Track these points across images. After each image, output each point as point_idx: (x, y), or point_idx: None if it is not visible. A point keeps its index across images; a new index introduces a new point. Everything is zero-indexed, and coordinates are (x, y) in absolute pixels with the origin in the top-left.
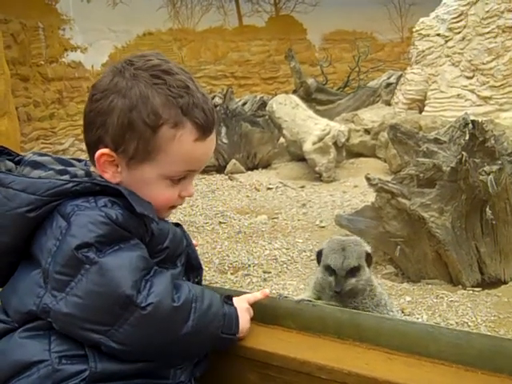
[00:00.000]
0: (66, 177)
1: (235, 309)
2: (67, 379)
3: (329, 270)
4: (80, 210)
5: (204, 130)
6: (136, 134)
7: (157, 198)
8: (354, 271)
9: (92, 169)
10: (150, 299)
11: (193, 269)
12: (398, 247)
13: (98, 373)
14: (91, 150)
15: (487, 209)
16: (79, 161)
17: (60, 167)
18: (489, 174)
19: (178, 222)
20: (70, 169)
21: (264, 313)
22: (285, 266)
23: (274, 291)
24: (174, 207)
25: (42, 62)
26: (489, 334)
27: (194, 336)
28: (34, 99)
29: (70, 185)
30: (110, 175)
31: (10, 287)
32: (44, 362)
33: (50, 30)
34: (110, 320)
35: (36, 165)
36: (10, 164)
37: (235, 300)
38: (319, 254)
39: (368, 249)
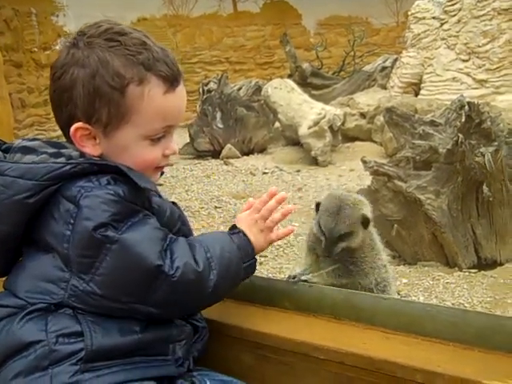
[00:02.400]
0: (62, 159)
1: (243, 234)
2: (64, 359)
3: (321, 229)
4: (87, 192)
5: (171, 81)
6: (104, 99)
7: (141, 160)
8: (346, 236)
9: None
10: (176, 265)
11: None
12: (395, 226)
13: (94, 351)
14: (66, 129)
15: (484, 186)
16: (71, 142)
17: (52, 150)
18: (484, 156)
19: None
20: (63, 151)
21: (260, 294)
22: (281, 249)
23: (270, 275)
24: (160, 168)
25: (36, 49)
26: (485, 312)
27: (222, 281)
28: (27, 85)
29: (68, 167)
30: (90, 149)
31: (19, 273)
32: (41, 342)
33: (43, 17)
34: (144, 290)
35: (26, 150)
36: None
37: (239, 221)
38: (317, 206)
39: (366, 211)
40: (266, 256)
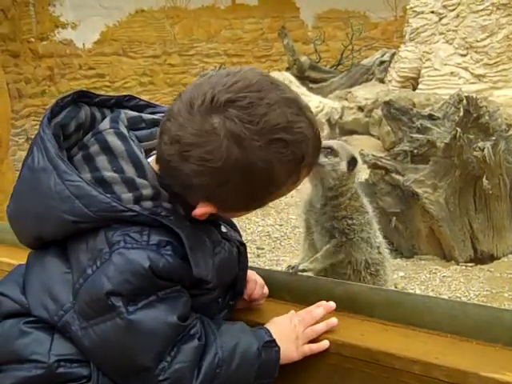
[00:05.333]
0: (129, 196)
1: (277, 351)
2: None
3: None
4: (125, 248)
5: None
6: (251, 200)
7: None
8: (329, 153)
9: (153, 161)
10: (169, 374)
11: (233, 292)
12: (394, 218)
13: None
14: (185, 192)
15: (484, 178)
16: (139, 139)
17: (128, 172)
18: (483, 151)
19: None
20: (138, 182)
21: None
22: (278, 241)
23: (267, 267)
24: None
25: (33, 39)
26: (483, 304)
27: None
28: (24, 76)
29: (129, 214)
30: (202, 217)
31: (36, 274)
32: (42, 363)
33: (41, 6)
34: (124, 376)
35: (106, 149)
36: (88, 112)
37: (275, 325)
38: None
39: (355, 154)
40: (263, 248)
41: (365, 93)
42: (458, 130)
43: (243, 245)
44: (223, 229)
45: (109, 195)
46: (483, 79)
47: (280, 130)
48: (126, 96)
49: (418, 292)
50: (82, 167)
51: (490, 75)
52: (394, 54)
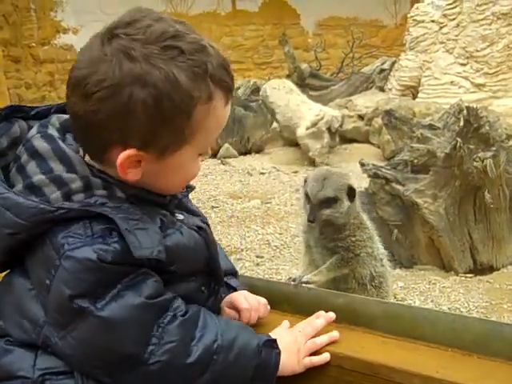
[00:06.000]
0: (57, 195)
1: (278, 354)
2: None
3: (307, 197)
4: (70, 251)
5: (231, 90)
6: (169, 124)
7: (187, 178)
8: (330, 202)
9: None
10: (159, 356)
11: (216, 278)
12: (395, 231)
13: None
14: (101, 150)
15: (486, 192)
16: (101, 162)
17: (56, 170)
18: (483, 161)
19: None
20: (66, 177)
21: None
22: (278, 250)
23: (266, 276)
24: None
25: (34, 44)
26: (485, 318)
27: None
28: (25, 81)
29: (59, 212)
30: (133, 174)
31: (6, 297)
32: (27, 379)
33: (42, 12)
34: (113, 370)
35: (34, 154)
36: (23, 126)
37: (280, 334)
38: (305, 181)
39: (352, 183)
40: (262, 257)
41: (365, 101)
42: (459, 140)
43: (202, 228)
44: (180, 216)
45: (37, 199)
46: (483, 88)
47: (169, 37)
48: (66, 104)
49: (417, 302)
50: (17, 179)
51: (490, 85)
52: (394, 63)
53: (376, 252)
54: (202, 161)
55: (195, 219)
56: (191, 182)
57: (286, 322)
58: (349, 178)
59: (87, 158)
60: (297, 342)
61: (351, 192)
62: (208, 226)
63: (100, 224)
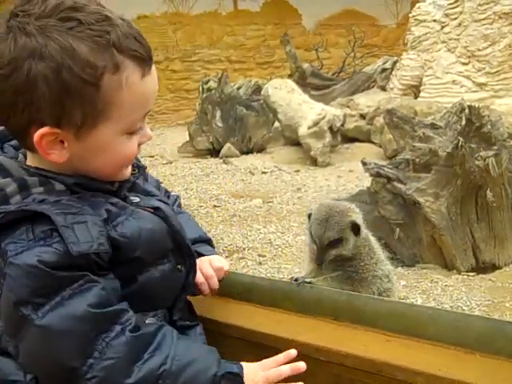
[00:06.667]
0: None
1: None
2: None
3: (312, 237)
4: (13, 257)
5: (146, 61)
6: (77, 97)
7: (121, 158)
8: (336, 243)
9: (30, 160)
10: (97, 371)
11: (189, 253)
12: (398, 229)
13: None
14: (21, 134)
15: (488, 191)
16: (29, 149)
17: None
18: (485, 160)
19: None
20: (0, 183)
21: (262, 295)
22: (280, 249)
23: (268, 274)
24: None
25: None
26: (487, 316)
27: None
28: None
29: None
30: (57, 155)
31: None
32: (20, 382)
33: None
34: (54, 383)
35: None
36: None
37: (252, 369)
38: (309, 217)
39: (355, 217)
40: (264, 256)
41: (367, 100)
42: (460, 139)
43: (158, 208)
44: (135, 199)
45: None
46: (485, 88)
47: (66, 9)
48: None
49: (419, 301)
50: None
51: (492, 84)
52: (395, 62)
53: (383, 272)
54: (140, 144)
55: (152, 200)
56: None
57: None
58: (352, 211)
59: (29, 160)
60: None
61: (355, 227)
62: (167, 204)
63: (42, 226)
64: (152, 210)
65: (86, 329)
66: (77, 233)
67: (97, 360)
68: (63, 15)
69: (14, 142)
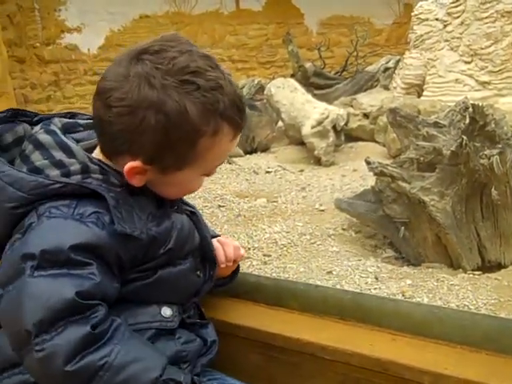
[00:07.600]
0: (57, 173)
1: None
2: None
3: None
4: (48, 218)
5: (240, 127)
6: (173, 150)
7: (185, 191)
8: None
9: (96, 153)
10: (46, 345)
11: (210, 261)
12: (402, 228)
13: None
14: (114, 155)
15: (493, 189)
16: (77, 141)
17: (57, 156)
18: (489, 158)
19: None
20: (66, 161)
21: (267, 294)
22: (285, 249)
23: (274, 274)
24: None
25: (38, 44)
26: (493, 315)
27: None
28: (30, 81)
29: (57, 186)
30: (138, 180)
31: None
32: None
33: (46, 12)
34: (17, 346)
35: (38, 145)
36: (27, 128)
37: None
38: None
39: None
40: (269, 255)
41: (370, 99)
42: (464, 137)
43: (194, 213)
44: (175, 203)
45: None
46: (488, 86)
47: (190, 72)
48: (68, 113)
49: (425, 300)
50: (21, 167)
51: (495, 82)
52: (398, 61)
53: None
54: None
55: (186, 207)
56: None
57: None
58: None
59: (95, 154)
60: None
61: None
62: (199, 214)
63: (86, 207)
64: (188, 213)
65: (59, 308)
66: (124, 216)
67: (51, 337)
68: (186, 78)
69: (77, 135)
